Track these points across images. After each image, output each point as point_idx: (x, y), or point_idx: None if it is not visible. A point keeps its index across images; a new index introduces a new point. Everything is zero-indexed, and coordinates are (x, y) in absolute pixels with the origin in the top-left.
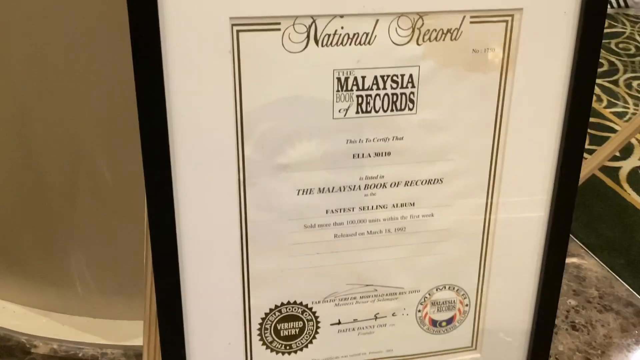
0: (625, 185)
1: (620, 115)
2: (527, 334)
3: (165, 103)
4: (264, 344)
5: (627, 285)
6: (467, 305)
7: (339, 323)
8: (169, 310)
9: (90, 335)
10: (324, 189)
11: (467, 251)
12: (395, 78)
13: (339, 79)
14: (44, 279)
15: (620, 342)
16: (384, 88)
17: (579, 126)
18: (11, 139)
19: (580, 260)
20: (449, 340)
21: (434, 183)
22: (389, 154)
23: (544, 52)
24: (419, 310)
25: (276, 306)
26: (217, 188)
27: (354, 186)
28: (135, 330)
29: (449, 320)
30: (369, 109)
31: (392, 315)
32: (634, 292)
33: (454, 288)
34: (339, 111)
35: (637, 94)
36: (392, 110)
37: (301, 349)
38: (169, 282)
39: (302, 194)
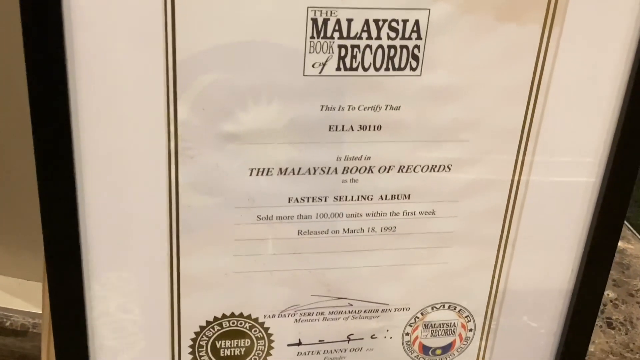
0: None
1: None
2: None
3: (64, 46)
4: None
5: None
6: (470, 330)
7: (299, 344)
8: (68, 323)
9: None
10: (286, 169)
11: (476, 261)
12: (394, 24)
13: (314, 21)
14: None
15: None
16: (378, 38)
17: None
18: None
19: (625, 244)
20: None
21: (438, 170)
22: (380, 127)
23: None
24: (407, 333)
25: (216, 318)
26: (137, 162)
27: (329, 169)
28: None
29: (446, 348)
30: (354, 66)
31: (371, 337)
32: None
33: (455, 307)
34: (313, 66)
35: None
36: (387, 69)
37: None
38: (67, 289)
39: (257, 174)
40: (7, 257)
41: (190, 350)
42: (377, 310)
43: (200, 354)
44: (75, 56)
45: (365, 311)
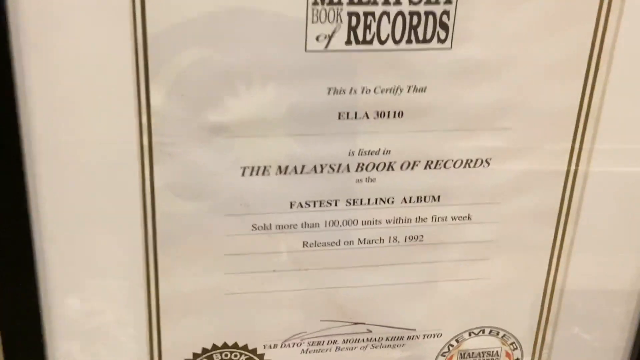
0: None
1: None
2: None
3: (5, 12)
4: None
5: None
6: (517, 359)
7: None
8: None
9: None
10: (286, 168)
11: (523, 276)
12: None
13: None
14: None
15: None
16: (397, 2)
17: None
18: None
19: None
20: None
21: (474, 165)
22: (401, 114)
23: None
24: None
25: (205, 350)
26: (102, 160)
27: (339, 166)
28: None
29: None
30: (368, 38)
31: None
32: None
33: (497, 332)
34: (317, 39)
35: None
36: (409, 41)
37: None
38: (20, 318)
39: (251, 174)
40: None
41: None
42: (402, 338)
43: None
44: (21, 28)
45: (387, 339)
